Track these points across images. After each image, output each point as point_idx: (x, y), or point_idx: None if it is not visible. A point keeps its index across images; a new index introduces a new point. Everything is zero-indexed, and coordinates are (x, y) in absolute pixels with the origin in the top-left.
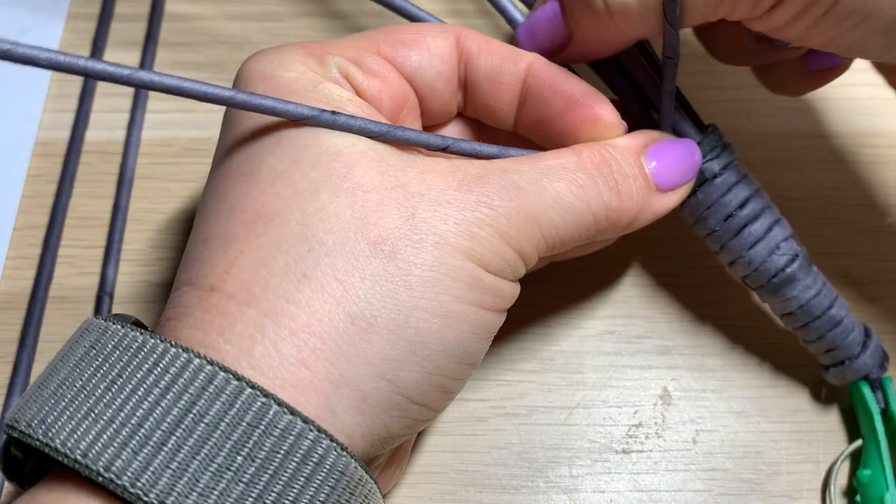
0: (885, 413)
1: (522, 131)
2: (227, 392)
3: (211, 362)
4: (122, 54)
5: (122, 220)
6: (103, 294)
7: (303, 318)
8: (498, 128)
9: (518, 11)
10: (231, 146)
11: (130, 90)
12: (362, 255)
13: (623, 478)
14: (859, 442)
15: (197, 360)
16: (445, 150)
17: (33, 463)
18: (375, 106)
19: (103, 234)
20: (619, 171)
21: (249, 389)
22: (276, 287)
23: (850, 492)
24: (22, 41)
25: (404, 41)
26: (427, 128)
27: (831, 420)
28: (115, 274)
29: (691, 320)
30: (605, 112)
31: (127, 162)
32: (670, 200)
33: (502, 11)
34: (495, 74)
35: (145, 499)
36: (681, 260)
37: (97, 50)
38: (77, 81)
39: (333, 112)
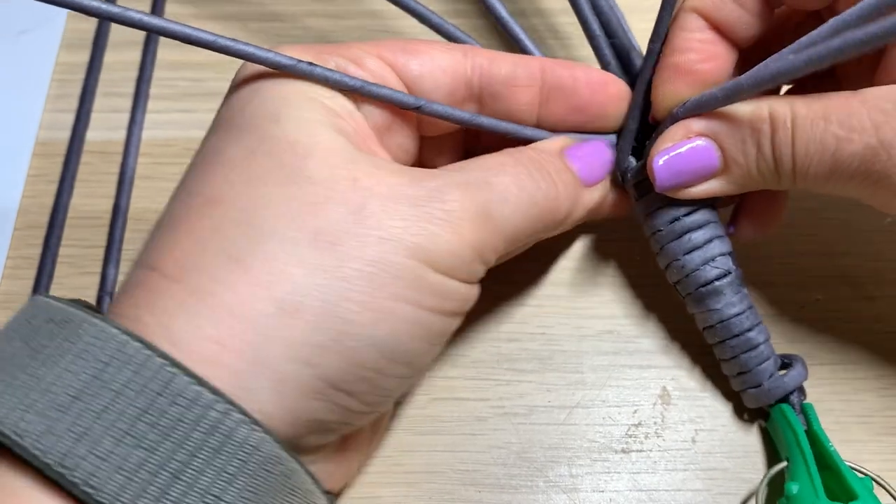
0: (808, 433)
1: (547, 128)
2: (137, 360)
3: (126, 332)
4: (122, 54)
5: (123, 220)
6: (104, 294)
7: (225, 298)
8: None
9: (531, 43)
10: (208, 136)
11: (131, 91)
12: (300, 244)
13: (622, 477)
14: (783, 464)
15: (113, 330)
16: (418, 109)
17: None
18: (363, 104)
19: (104, 233)
20: (550, 165)
21: (158, 359)
22: (205, 267)
23: None
24: (22, 41)
25: (407, 50)
26: (433, 139)
27: (832, 421)
28: (115, 274)
29: (691, 320)
30: (623, 89)
31: (127, 162)
32: (595, 194)
33: (517, 41)
34: (512, 79)
35: (45, 459)
36: None
37: (98, 50)
38: (78, 82)
39: (310, 63)
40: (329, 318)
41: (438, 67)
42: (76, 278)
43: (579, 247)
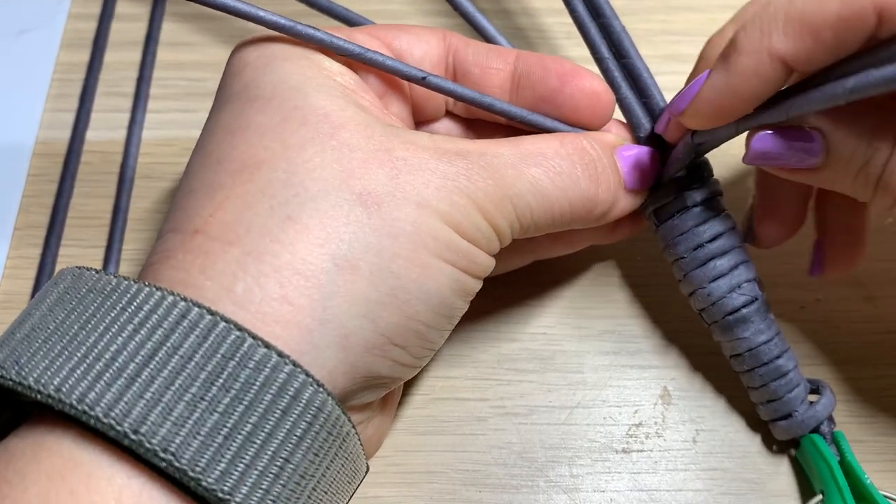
0: (841, 464)
1: (518, 122)
2: (201, 326)
3: (185, 299)
4: (122, 54)
5: (123, 219)
6: None
7: (286, 257)
8: (493, 121)
9: (503, 38)
10: (222, 107)
11: (131, 91)
12: (347, 204)
13: (623, 477)
14: (819, 497)
15: (171, 298)
16: (423, 81)
17: (7, 417)
18: (363, 77)
19: (104, 233)
20: (599, 160)
21: (223, 324)
22: (260, 228)
23: None
24: (22, 41)
25: (395, 27)
26: (418, 125)
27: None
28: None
29: (691, 320)
30: (599, 86)
31: (127, 162)
32: (633, 201)
33: (484, 34)
34: (484, 60)
35: (118, 428)
36: None
37: (98, 50)
38: (78, 81)
39: (311, 27)
40: (383, 274)
41: (424, 41)
42: None
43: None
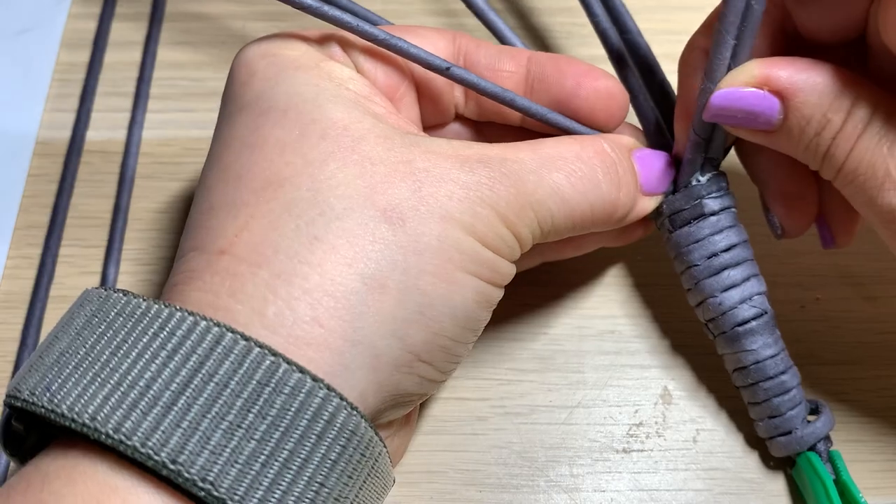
0: (836, 483)
1: (530, 123)
2: (236, 352)
3: (218, 324)
4: (122, 54)
5: (123, 219)
6: None
7: (315, 279)
8: (504, 123)
9: (515, 37)
10: (234, 118)
11: (131, 91)
12: (372, 221)
13: (623, 477)
14: None
15: (204, 323)
16: (447, 71)
17: (36, 437)
18: (371, 76)
19: (104, 233)
20: (619, 163)
21: (258, 349)
22: (287, 249)
23: None
24: (22, 41)
25: (402, 30)
26: (427, 129)
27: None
28: (115, 273)
29: (691, 320)
30: (615, 87)
31: (127, 161)
32: (649, 204)
33: (495, 32)
34: (496, 63)
35: (156, 458)
36: None
37: (98, 50)
38: (78, 81)
39: (337, 7)
40: (411, 292)
41: (431, 45)
42: (76, 278)
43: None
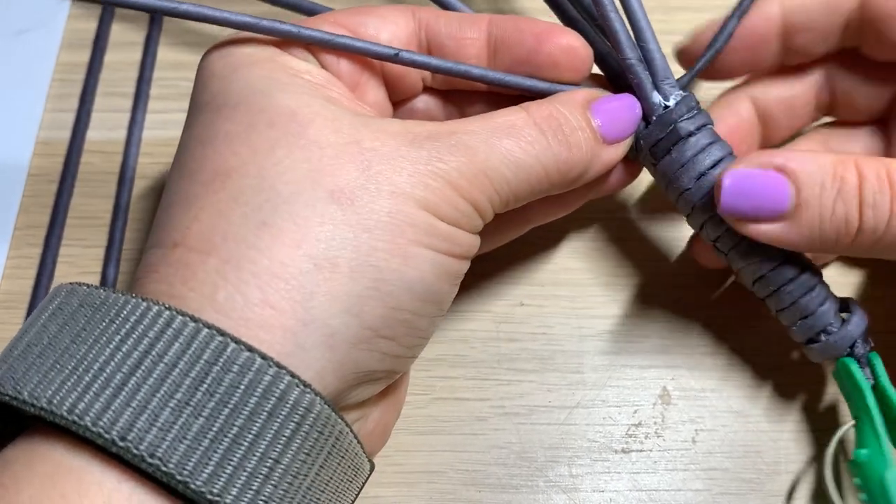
0: (875, 389)
1: (497, 88)
2: (185, 334)
3: (169, 308)
4: (122, 54)
5: (123, 219)
6: None
7: (264, 262)
8: (471, 90)
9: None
10: (193, 119)
11: (131, 91)
12: (320, 203)
13: (623, 477)
14: (852, 422)
15: (156, 307)
16: (396, 57)
17: (12, 429)
18: (335, 72)
19: (104, 233)
20: (566, 124)
21: (206, 330)
22: (235, 235)
23: (848, 474)
24: (22, 41)
25: (360, 12)
26: (397, 104)
27: (830, 419)
28: (115, 273)
29: (691, 320)
30: (576, 41)
31: (128, 161)
32: (616, 152)
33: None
34: (457, 30)
35: (106, 436)
36: (681, 260)
37: (98, 50)
38: (78, 81)
39: (277, 20)
40: (364, 268)
41: (391, 22)
42: (76, 278)
43: (580, 246)
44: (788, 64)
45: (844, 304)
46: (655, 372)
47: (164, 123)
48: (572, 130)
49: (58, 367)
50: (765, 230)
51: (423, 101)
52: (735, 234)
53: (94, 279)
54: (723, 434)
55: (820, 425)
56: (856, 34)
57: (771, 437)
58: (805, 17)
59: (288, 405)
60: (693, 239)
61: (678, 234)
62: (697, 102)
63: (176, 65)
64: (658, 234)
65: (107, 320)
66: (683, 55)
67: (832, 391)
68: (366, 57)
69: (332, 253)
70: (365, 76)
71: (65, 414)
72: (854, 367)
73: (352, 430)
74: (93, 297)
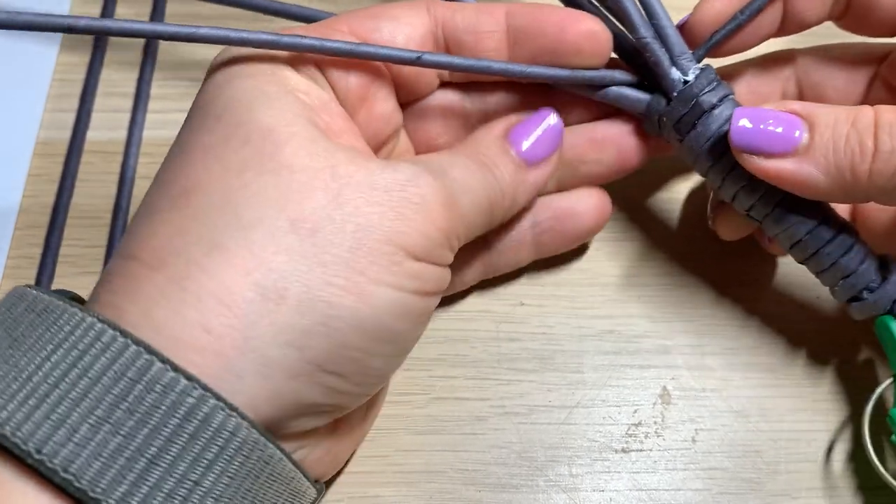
0: None
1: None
2: (113, 348)
3: (102, 320)
4: (122, 54)
5: (124, 219)
6: None
7: (210, 285)
8: (490, 82)
9: None
10: (185, 123)
11: (131, 91)
12: (280, 232)
13: (622, 477)
14: (890, 380)
15: (89, 319)
16: (418, 61)
17: None
18: (342, 88)
19: (104, 233)
20: (487, 157)
21: (134, 346)
22: (187, 255)
23: (886, 431)
24: (21, 41)
25: (372, 16)
26: (412, 103)
27: (831, 420)
28: None
29: (691, 320)
30: (596, 25)
31: (128, 161)
32: (544, 171)
33: None
34: (475, 26)
35: (23, 447)
36: (681, 259)
37: (98, 50)
38: (78, 81)
39: (297, 35)
40: (313, 303)
41: (406, 26)
42: (76, 278)
43: (580, 246)
44: (781, 36)
45: (884, 261)
46: (655, 372)
47: (164, 123)
48: (493, 162)
49: None
50: (776, 166)
51: (441, 97)
52: (769, 201)
53: (95, 279)
54: (723, 434)
55: (819, 426)
56: (844, 4)
57: (770, 437)
58: None
59: (211, 428)
60: (715, 211)
61: (678, 233)
62: (715, 73)
63: (176, 65)
64: (658, 234)
65: (42, 328)
66: (689, 30)
67: (832, 391)
68: (389, 62)
69: (282, 284)
70: (374, 87)
71: None
72: (894, 324)
73: (288, 457)
74: (37, 303)
